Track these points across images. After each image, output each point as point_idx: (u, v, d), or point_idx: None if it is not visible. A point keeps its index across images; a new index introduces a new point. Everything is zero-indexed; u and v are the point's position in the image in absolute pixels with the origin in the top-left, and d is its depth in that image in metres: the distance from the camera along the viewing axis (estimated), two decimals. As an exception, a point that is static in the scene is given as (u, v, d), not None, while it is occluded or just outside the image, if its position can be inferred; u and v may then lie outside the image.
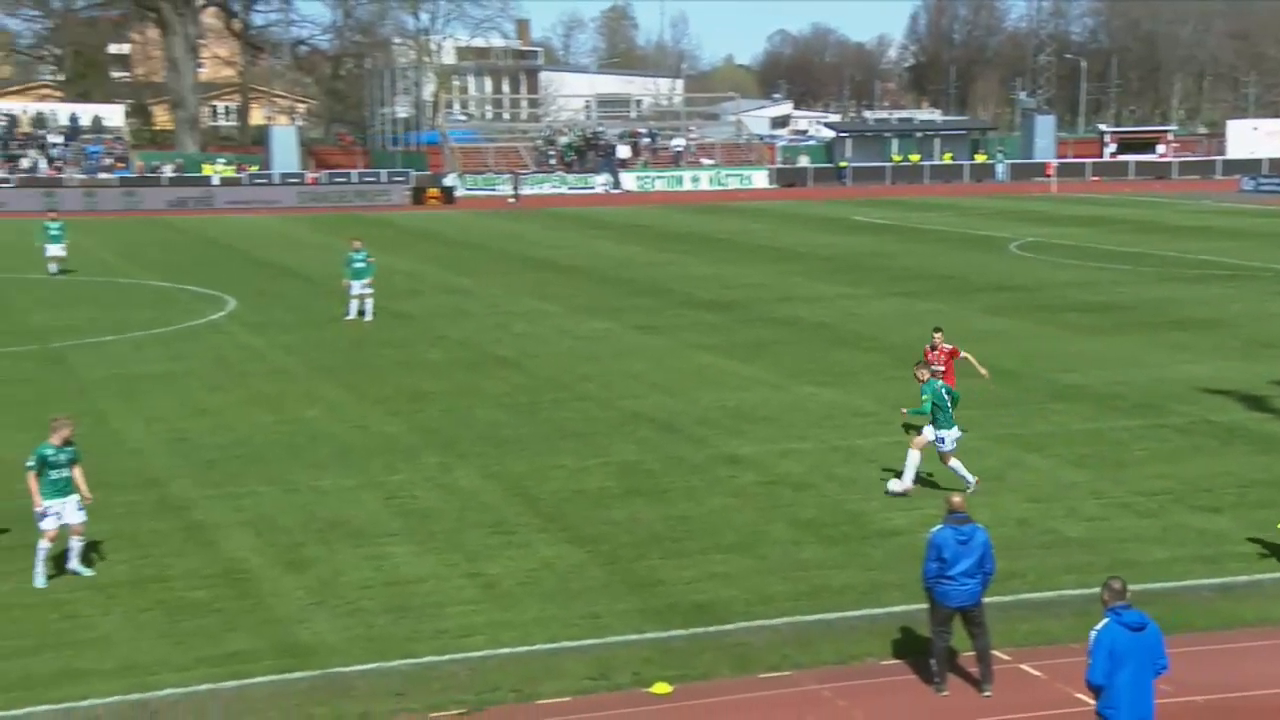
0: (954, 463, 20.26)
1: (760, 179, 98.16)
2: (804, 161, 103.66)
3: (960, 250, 54.42)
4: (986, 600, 13.77)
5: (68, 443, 16.73)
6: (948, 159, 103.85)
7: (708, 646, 14.86)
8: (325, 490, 20.76)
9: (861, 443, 23.28)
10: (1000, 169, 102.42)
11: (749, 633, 15.22)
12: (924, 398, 20.07)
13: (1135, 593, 15.59)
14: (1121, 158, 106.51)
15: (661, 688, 13.85)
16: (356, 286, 36.88)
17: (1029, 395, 27.24)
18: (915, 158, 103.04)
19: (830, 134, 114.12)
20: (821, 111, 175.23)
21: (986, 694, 13.64)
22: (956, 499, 13.69)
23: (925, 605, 13.94)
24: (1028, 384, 28.26)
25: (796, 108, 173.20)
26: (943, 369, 22.73)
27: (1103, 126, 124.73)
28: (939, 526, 13.59)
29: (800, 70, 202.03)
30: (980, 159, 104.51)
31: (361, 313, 36.81)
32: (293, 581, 16.85)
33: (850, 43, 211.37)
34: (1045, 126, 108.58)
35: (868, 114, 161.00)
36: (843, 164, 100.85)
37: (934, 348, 23.70)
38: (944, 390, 20.32)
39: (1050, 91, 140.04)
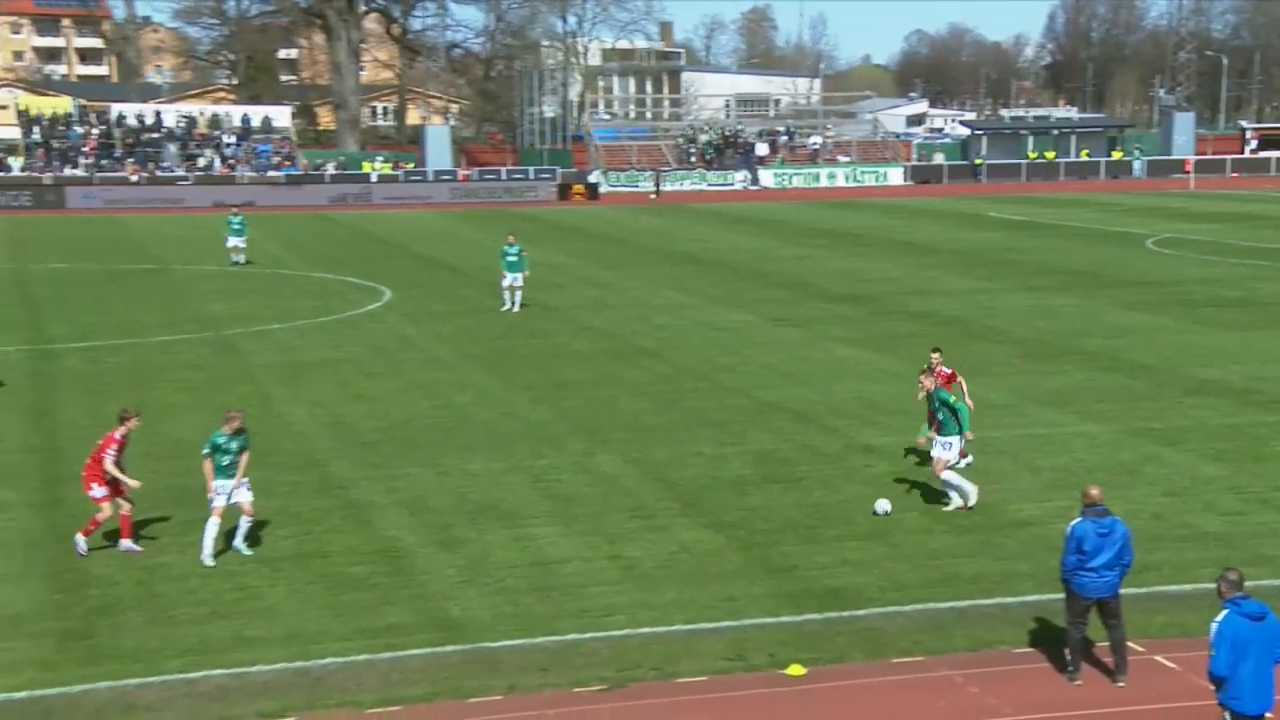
0: (948, 474, 18.98)
1: (895, 176, 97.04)
2: (939, 159, 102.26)
3: (1095, 246, 53.21)
4: (1122, 592, 13.48)
5: (238, 432, 17.19)
6: (1084, 156, 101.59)
7: (841, 631, 14.76)
8: (475, 473, 21.02)
9: (994, 435, 22.90)
10: (1137, 166, 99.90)
11: (882, 618, 15.09)
12: (943, 403, 18.88)
13: (1273, 589, 15.09)
14: (1263, 154, 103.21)
15: (796, 670, 13.80)
16: (510, 279, 37.31)
17: (1165, 390, 26.55)
18: (1050, 155, 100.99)
19: (966, 132, 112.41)
20: (957, 110, 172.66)
21: (1120, 685, 13.35)
22: (1094, 491, 13.39)
23: (1059, 595, 13.68)
24: (1164, 379, 27.55)
25: (932, 106, 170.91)
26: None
27: (1244, 123, 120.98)
28: (1078, 519, 13.31)
29: (937, 69, 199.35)
30: (1117, 156, 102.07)
31: (510, 304, 37.26)
32: (444, 560, 17.10)
33: (987, 42, 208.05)
34: (1184, 124, 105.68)
35: (1004, 112, 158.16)
36: (978, 161, 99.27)
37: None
38: (950, 399, 19.06)
39: (1190, 89, 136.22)
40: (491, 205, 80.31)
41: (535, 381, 27.98)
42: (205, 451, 17.11)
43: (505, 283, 37.34)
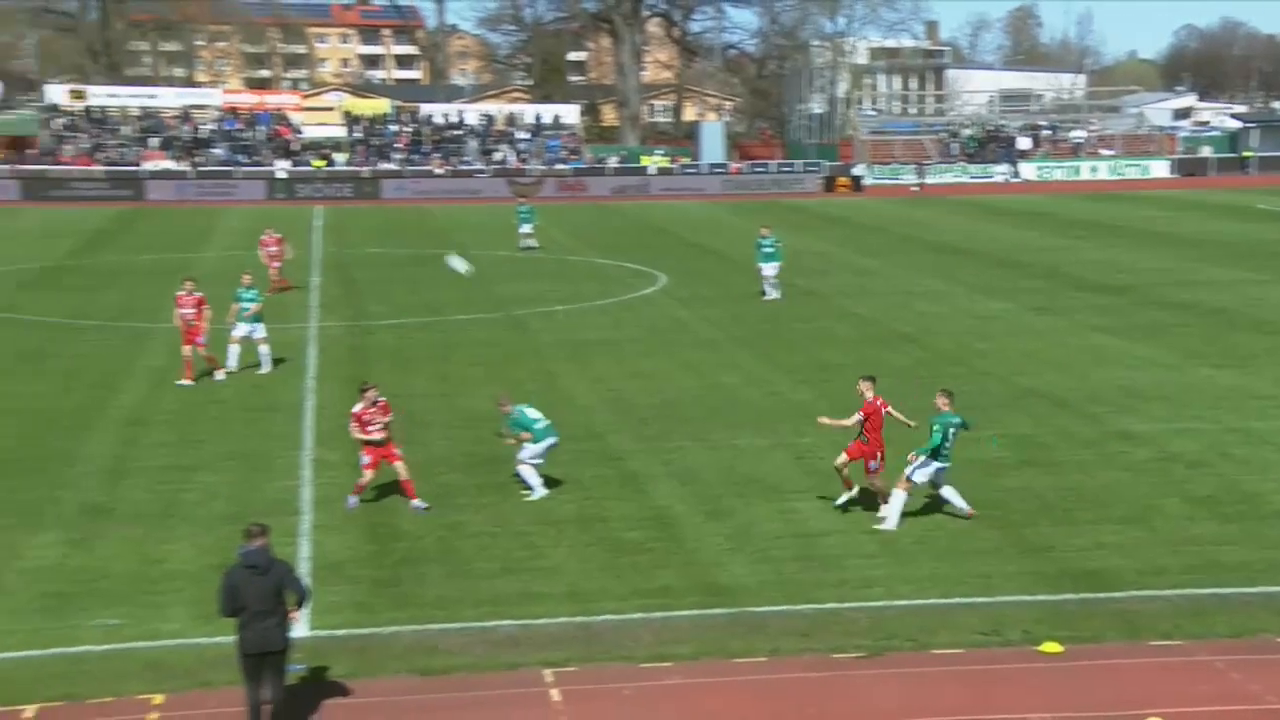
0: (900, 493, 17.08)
1: (1160, 169, 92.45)
2: (1206, 152, 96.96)
3: (1368, 239, 49.62)
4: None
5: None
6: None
7: (1098, 612, 14.25)
8: (741, 448, 21.08)
9: (1259, 425, 21.67)
10: None
11: (1140, 601, 14.49)
12: (935, 429, 17.00)
13: None
14: None
15: (1052, 646, 13.38)
16: (766, 269, 37.10)
17: None
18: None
19: (1235, 125, 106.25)
20: (1226, 104, 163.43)
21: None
22: None
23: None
24: None
25: (1200, 100, 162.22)
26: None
27: None
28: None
29: (1206, 63, 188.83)
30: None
31: (769, 292, 36.88)
32: (713, 528, 17.23)
33: (1261, 35, 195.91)
34: None
35: (1276, 105, 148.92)
36: (1247, 154, 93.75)
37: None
38: (958, 422, 17.22)
39: None
40: (760, 197, 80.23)
41: (799, 363, 27.85)
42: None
43: (763, 273, 37.10)
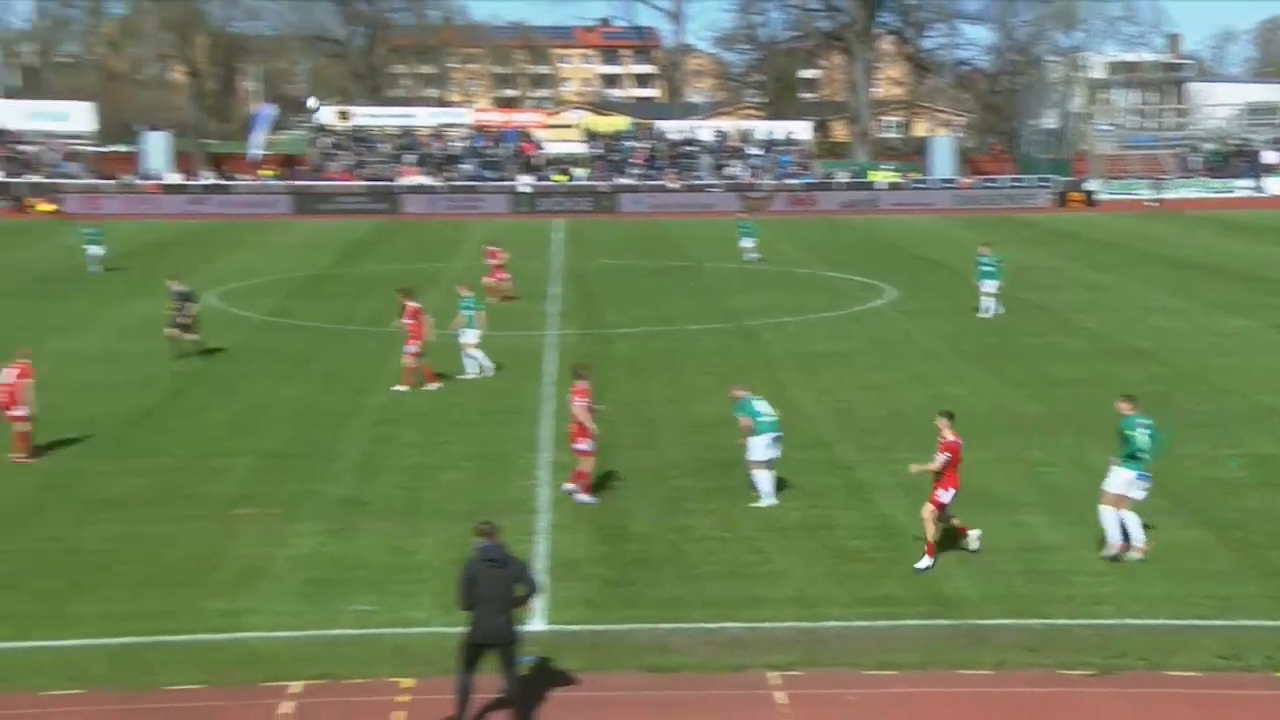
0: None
1: None
2: None
3: None
4: None
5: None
6: None
7: (1345, 641, 13.37)
8: (967, 461, 20.38)
9: None
10: None
11: (1390, 632, 13.53)
12: (1132, 431, 15.99)
13: None
14: None
15: (1294, 675, 12.63)
16: (985, 286, 36.02)
17: None
18: None
19: None
20: None
21: None
22: None
23: None
24: None
25: None
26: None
27: None
28: None
29: None
30: None
31: (987, 310, 35.84)
32: (937, 540, 16.85)
33: None
34: None
35: None
36: None
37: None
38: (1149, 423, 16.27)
39: None
40: (990, 212, 78.25)
41: (1027, 378, 27.04)
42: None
43: (982, 289, 36.01)
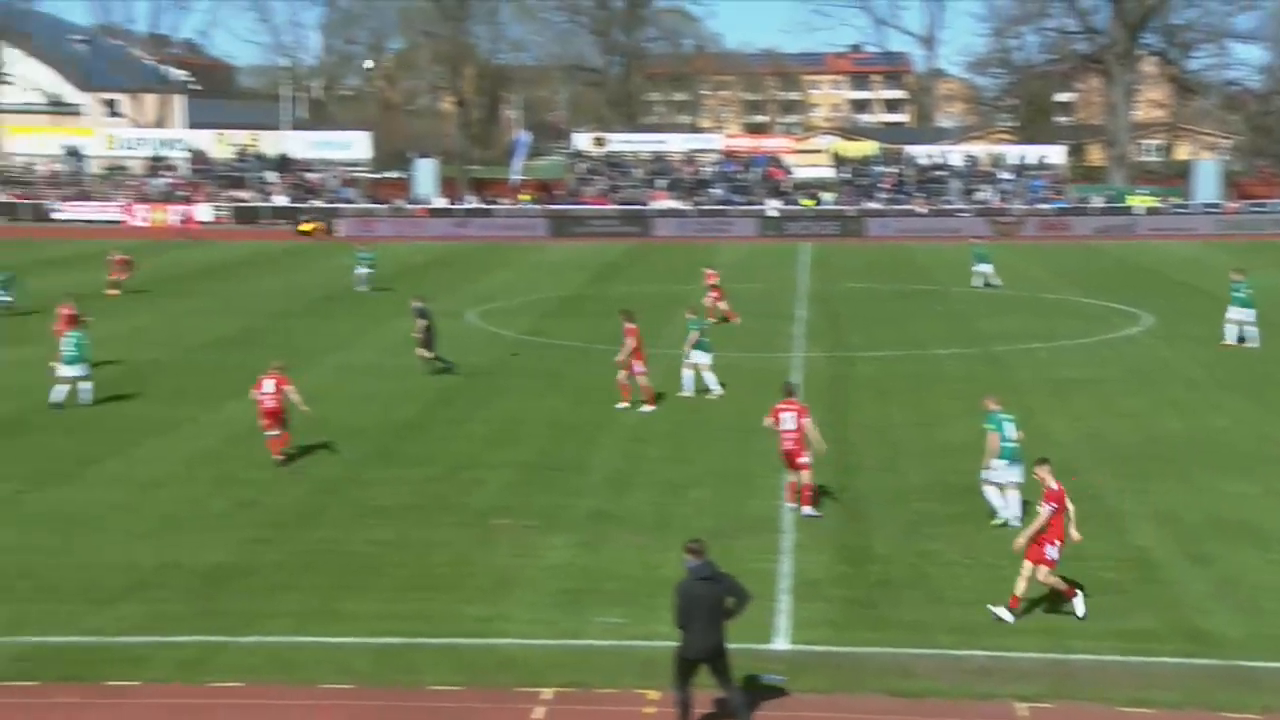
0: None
1: None
2: None
3: None
4: None
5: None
6: None
7: None
8: (1227, 493, 19.52)
9: None
10: None
11: None
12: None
13: None
14: None
15: None
16: (1237, 314, 33.87)
17: None
18: None
19: None
20: None
21: None
22: None
23: None
24: None
25: None
26: None
27: None
28: None
29: None
30: None
31: (1241, 339, 33.68)
32: (1195, 573, 16.08)
33: None
34: None
35: None
36: None
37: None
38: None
39: None
40: (1258, 237, 73.85)
41: (1298, 410, 25.42)
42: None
43: (1231, 316, 33.86)
